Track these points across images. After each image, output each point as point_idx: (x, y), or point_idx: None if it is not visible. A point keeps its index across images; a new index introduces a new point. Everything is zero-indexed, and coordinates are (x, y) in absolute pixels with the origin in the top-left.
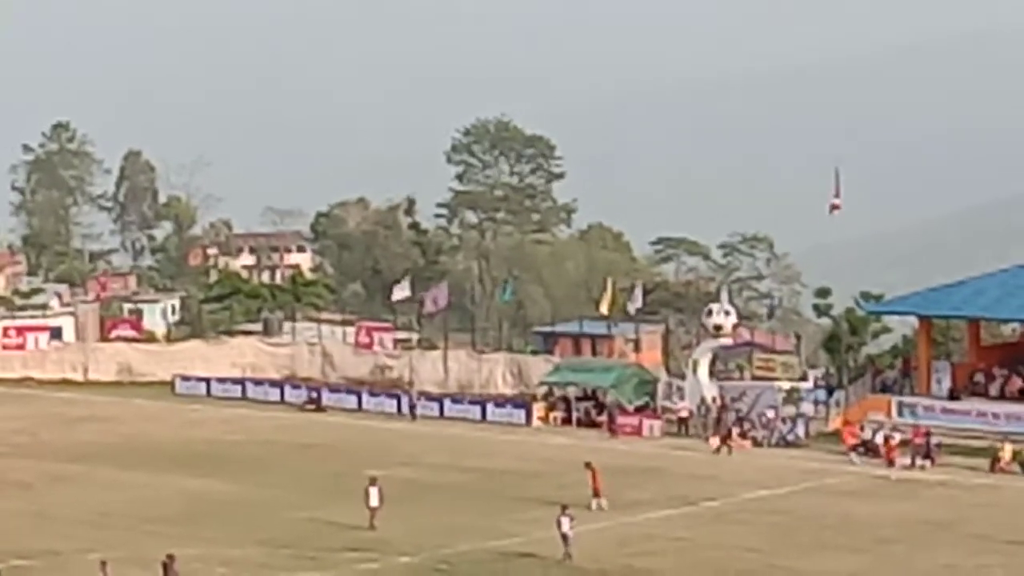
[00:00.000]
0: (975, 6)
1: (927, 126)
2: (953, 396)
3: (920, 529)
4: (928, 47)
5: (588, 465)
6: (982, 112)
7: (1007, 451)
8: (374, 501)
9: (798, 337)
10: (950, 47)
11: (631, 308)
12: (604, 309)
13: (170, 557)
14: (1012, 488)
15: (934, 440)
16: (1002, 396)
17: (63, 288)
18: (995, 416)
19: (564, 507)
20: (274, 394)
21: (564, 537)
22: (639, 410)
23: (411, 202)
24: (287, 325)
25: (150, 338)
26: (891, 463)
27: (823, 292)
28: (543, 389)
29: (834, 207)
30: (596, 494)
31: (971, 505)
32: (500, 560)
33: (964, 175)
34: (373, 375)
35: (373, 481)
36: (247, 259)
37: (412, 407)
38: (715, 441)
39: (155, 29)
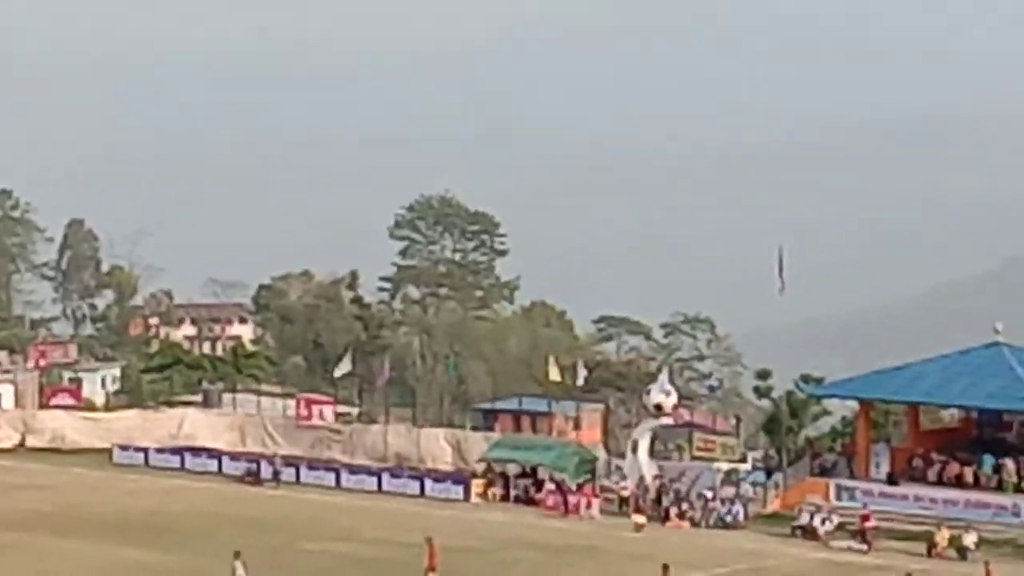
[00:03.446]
0: (928, 91)
1: (874, 212)
2: (892, 480)
3: None
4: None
5: (428, 540)
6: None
7: (943, 536)
8: (240, 573)
9: (738, 418)
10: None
11: (579, 380)
12: (555, 376)
13: None
14: (948, 573)
15: (871, 524)
16: (940, 481)
17: (3, 355)
18: (932, 501)
19: None
20: (213, 465)
21: None
22: (580, 488)
23: (354, 276)
24: (227, 396)
25: (89, 407)
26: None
27: (764, 374)
28: (482, 465)
29: (780, 289)
30: (431, 569)
31: None
32: None
33: (906, 261)
34: (315, 448)
35: (237, 555)
36: (188, 330)
37: (276, 474)
38: (639, 518)
39: (101, 96)
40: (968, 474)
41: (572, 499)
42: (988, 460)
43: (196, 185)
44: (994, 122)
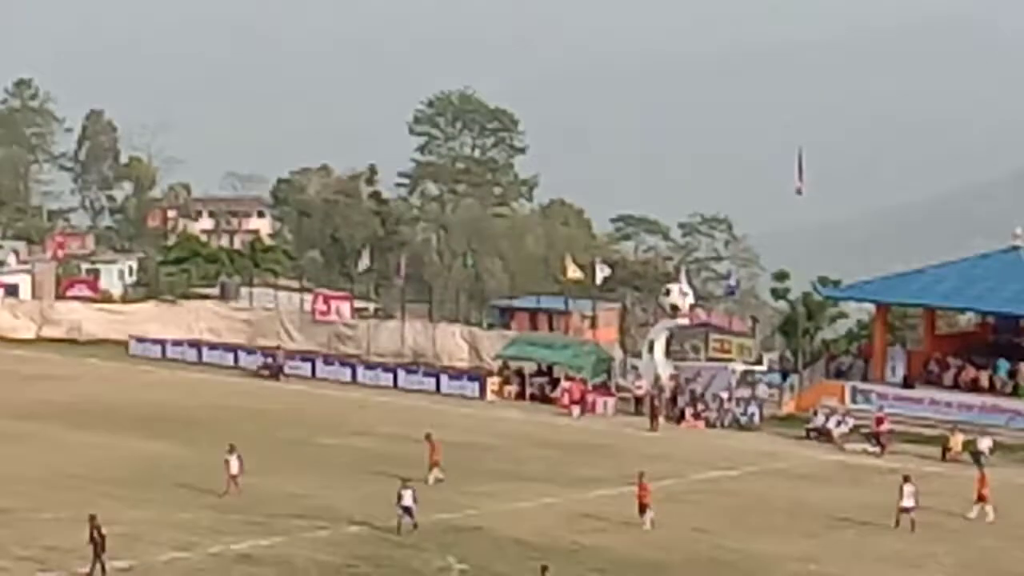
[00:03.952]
0: None
1: (894, 114)
2: (907, 384)
3: (870, 515)
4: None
5: (428, 437)
6: (948, 103)
7: (957, 440)
8: (234, 468)
9: (755, 320)
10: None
11: (599, 276)
12: (572, 274)
13: (91, 517)
14: (961, 477)
15: (885, 427)
16: (955, 385)
17: (20, 246)
18: (947, 405)
19: (404, 480)
20: (229, 359)
21: (407, 510)
22: (596, 388)
23: (372, 171)
24: (244, 290)
25: (106, 298)
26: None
27: (781, 276)
28: (498, 363)
29: (798, 190)
30: (434, 466)
31: (921, 492)
32: (450, 532)
33: (927, 165)
34: (329, 343)
35: (232, 449)
36: (206, 223)
37: (280, 368)
38: (660, 422)
39: None
40: (984, 378)
41: (588, 397)
42: (1003, 365)
43: (217, 79)
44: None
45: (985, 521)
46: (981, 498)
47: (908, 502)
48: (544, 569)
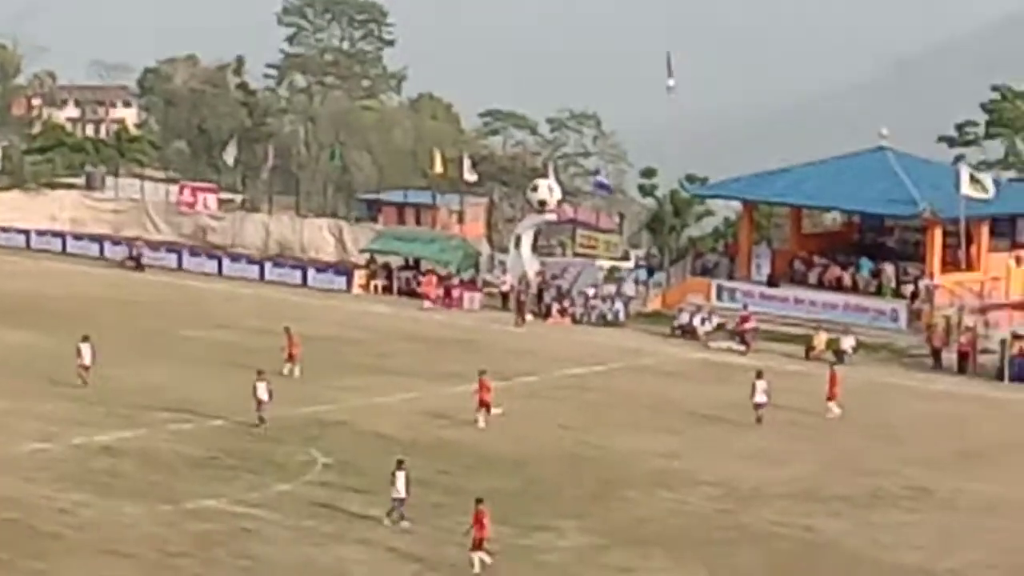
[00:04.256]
0: None
1: (768, 10)
2: (772, 282)
3: (734, 412)
4: None
5: (287, 330)
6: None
7: (821, 339)
8: (86, 359)
9: (621, 216)
10: None
11: (467, 177)
12: (439, 169)
13: None
14: (824, 376)
15: (750, 325)
16: (820, 284)
17: None
18: (812, 304)
19: (260, 372)
20: (94, 250)
21: (259, 403)
22: (463, 283)
23: (240, 62)
24: (110, 180)
25: None
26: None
27: (649, 172)
28: (365, 257)
29: (668, 87)
30: (290, 359)
31: (784, 390)
32: (314, 425)
33: (797, 63)
34: (195, 235)
35: (85, 338)
36: (72, 112)
37: (137, 258)
38: (526, 318)
39: None
40: (847, 278)
41: (454, 293)
42: (866, 264)
43: None
44: None
45: (828, 417)
46: (831, 396)
47: (760, 398)
48: (399, 463)
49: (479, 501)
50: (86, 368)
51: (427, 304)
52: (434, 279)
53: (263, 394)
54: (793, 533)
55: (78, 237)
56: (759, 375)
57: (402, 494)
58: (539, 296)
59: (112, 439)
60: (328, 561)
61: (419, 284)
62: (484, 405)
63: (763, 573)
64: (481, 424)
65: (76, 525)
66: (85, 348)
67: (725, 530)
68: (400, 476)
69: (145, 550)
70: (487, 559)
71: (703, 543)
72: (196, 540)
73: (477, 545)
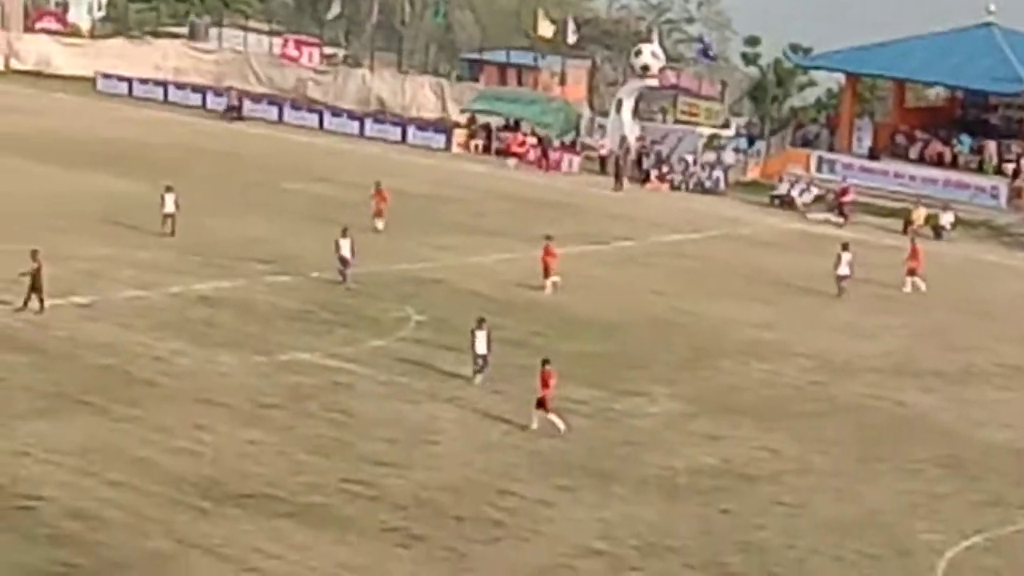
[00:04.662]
0: None
1: None
2: (873, 155)
3: (829, 284)
4: None
5: (376, 185)
6: None
7: (920, 214)
8: (169, 207)
9: (724, 84)
10: None
11: (570, 39)
12: (545, 31)
13: (33, 253)
14: (922, 251)
15: (849, 197)
16: (921, 159)
17: None
18: (912, 178)
19: (344, 229)
20: (196, 100)
21: (343, 260)
22: (563, 146)
23: None
24: (213, 31)
25: (75, 32)
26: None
27: (753, 41)
28: (465, 116)
29: None
30: (379, 214)
31: (880, 265)
32: (410, 283)
33: None
34: (296, 89)
35: (169, 188)
36: None
37: (232, 108)
38: (624, 183)
39: None
40: (948, 154)
41: (554, 155)
42: (966, 141)
43: None
44: None
45: (918, 292)
46: (911, 271)
47: (844, 270)
48: (480, 321)
49: (545, 362)
50: (169, 216)
51: (511, 163)
52: (521, 138)
53: (346, 251)
54: (884, 406)
55: (180, 87)
56: (845, 247)
57: (483, 351)
58: (638, 161)
59: (209, 289)
60: (419, 418)
61: (520, 145)
62: (547, 271)
63: (853, 445)
64: (548, 291)
65: (171, 373)
66: (169, 198)
67: (816, 402)
68: (480, 335)
69: (239, 400)
70: (557, 421)
71: (793, 414)
72: (289, 392)
73: (540, 404)
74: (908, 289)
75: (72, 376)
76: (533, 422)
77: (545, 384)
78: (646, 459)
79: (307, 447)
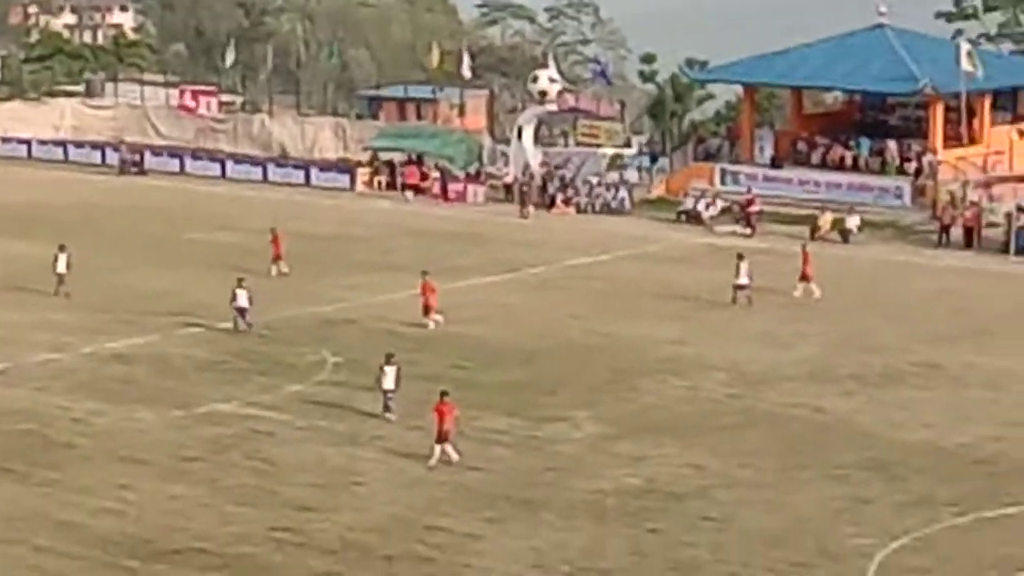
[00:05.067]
0: None
1: None
2: (775, 164)
3: (748, 297)
4: None
5: (272, 231)
6: None
7: (826, 219)
8: (62, 267)
9: (622, 103)
10: None
11: (465, 74)
12: (437, 63)
13: None
14: (831, 256)
15: (755, 207)
16: (823, 165)
17: None
18: (816, 184)
19: (240, 279)
20: (96, 157)
21: (240, 311)
22: (467, 176)
23: None
24: (109, 86)
25: None
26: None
27: (649, 58)
28: (368, 154)
29: None
30: (276, 259)
31: (790, 273)
32: (324, 325)
33: None
34: (197, 139)
35: (62, 248)
36: (68, 18)
37: (123, 163)
38: (530, 209)
39: None
40: (850, 157)
41: (457, 187)
42: (865, 143)
43: None
44: None
45: (812, 298)
46: (805, 277)
47: (743, 279)
48: (389, 356)
49: (443, 394)
50: (61, 277)
51: (409, 195)
52: (417, 171)
53: (243, 301)
54: (804, 414)
55: (79, 145)
56: (740, 256)
57: (391, 386)
58: (543, 187)
59: (123, 346)
60: (342, 461)
61: (423, 179)
62: (427, 308)
63: (776, 455)
64: (431, 326)
65: (90, 433)
66: (62, 257)
67: (735, 414)
68: (390, 370)
69: (160, 456)
70: (452, 453)
71: (714, 428)
72: (210, 444)
73: (440, 438)
74: (798, 294)
75: None
76: (434, 458)
77: (441, 418)
78: (572, 484)
79: (232, 498)
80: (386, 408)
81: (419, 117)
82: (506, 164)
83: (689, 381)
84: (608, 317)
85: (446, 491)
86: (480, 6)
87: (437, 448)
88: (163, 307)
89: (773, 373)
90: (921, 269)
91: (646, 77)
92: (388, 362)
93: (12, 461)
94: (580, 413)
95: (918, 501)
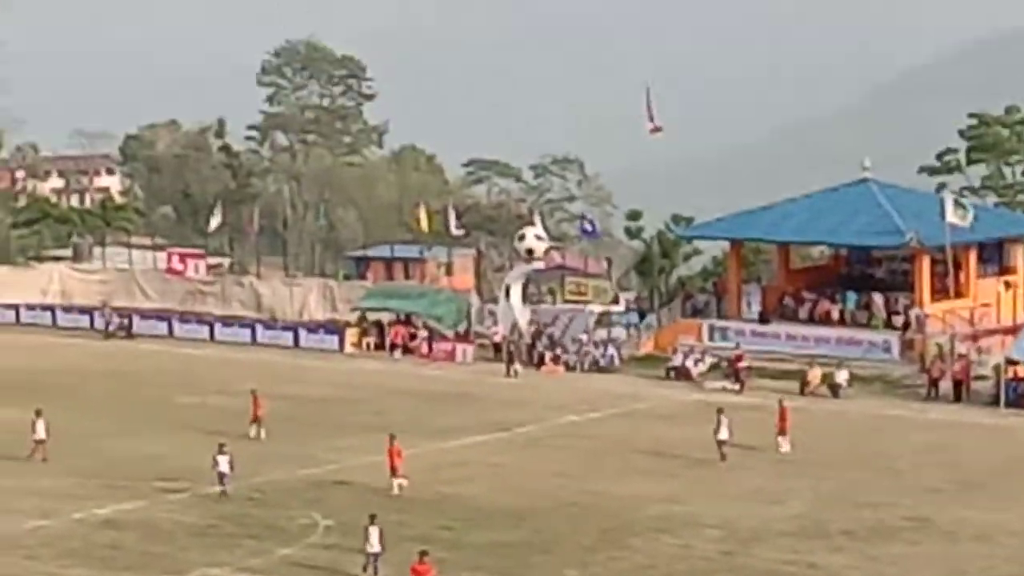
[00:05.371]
0: None
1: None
2: (763, 319)
3: (730, 452)
4: None
5: (253, 392)
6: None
7: (815, 374)
8: (40, 433)
9: (609, 260)
10: None
11: (453, 231)
12: (424, 225)
13: None
14: (821, 411)
15: (744, 363)
16: (811, 319)
17: None
18: (804, 339)
19: (221, 445)
20: (84, 321)
21: (221, 476)
22: (456, 336)
23: (221, 124)
24: (97, 250)
25: None
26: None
27: (635, 215)
28: (356, 315)
29: (654, 129)
30: (255, 421)
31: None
32: (314, 488)
33: (772, 99)
34: (185, 301)
35: (39, 413)
36: (56, 182)
37: (107, 325)
38: (518, 368)
39: None
40: (836, 312)
41: (446, 346)
42: (851, 297)
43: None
44: None
45: (780, 452)
46: (782, 431)
47: (723, 434)
48: (372, 518)
49: (423, 554)
50: (40, 443)
51: (397, 354)
52: (403, 330)
53: (224, 467)
54: (797, 571)
55: (67, 309)
56: (720, 411)
57: (376, 549)
58: (532, 345)
59: (112, 512)
60: None
61: (412, 339)
62: (394, 471)
63: None
64: (395, 491)
65: None
66: (40, 423)
67: (729, 572)
68: (374, 531)
69: None
70: None
71: None
72: None
73: None
74: (785, 449)
75: None
76: None
77: None
78: None
79: None
80: (372, 570)
81: (407, 276)
82: (494, 323)
83: (681, 539)
84: (598, 476)
85: None
86: (466, 165)
87: None
88: (152, 472)
89: (765, 529)
90: (911, 423)
91: (632, 233)
92: (372, 523)
93: None
94: (572, 572)
95: None
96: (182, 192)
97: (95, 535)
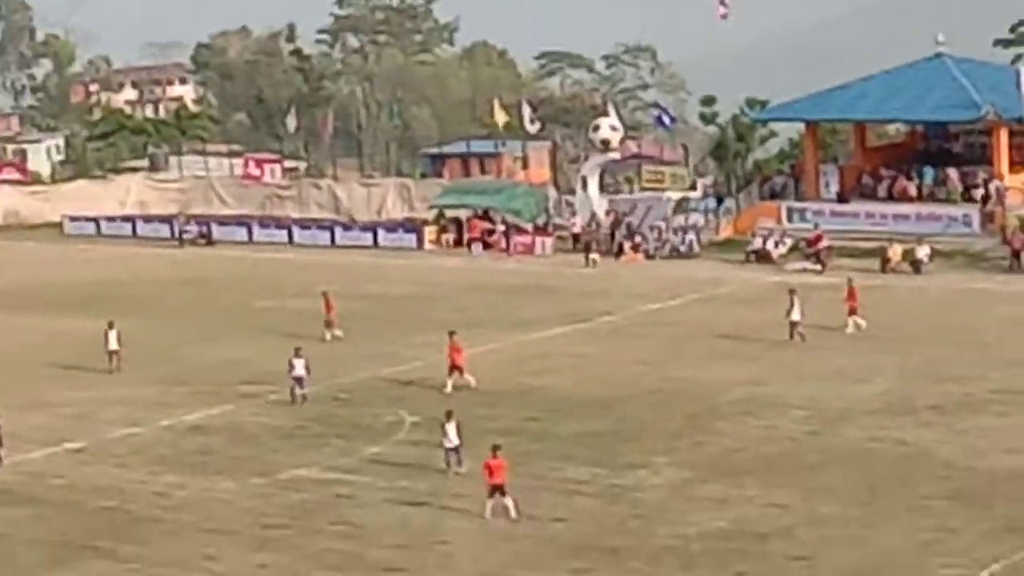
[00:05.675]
0: None
1: None
2: (842, 199)
3: (812, 333)
4: None
5: (324, 294)
6: None
7: (896, 251)
8: (113, 344)
9: (685, 147)
10: None
11: (529, 128)
12: (500, 119)
13: None
14: (902, 288)
15: (823, 244)
16: (890, 197)
17: None
18: (883, 217)
19: (297, 349)
20: (164, 231)
21: (299, 380)
22: (535, 229)
23: (292, 29)
24: (173, 160)
25: (36, 180)
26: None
27: (708, 100)
28: (434, 212)
29: (724, 15)
30: (328, 325)
31: (863, 307)
32: (397, 387)
33: None
34: (263, 207)
35: (111, 325)
36: (130, 94)
37: (183, 234)
38: (596, 258)
39: None
40: (914, 188)
41: (525, 239)
42: (928, 172)
43: None
44: None
45: (847, 332)
46: (852, 311)
47: (796, 315)
48: (448, 414)
49: (496, 448)
50: (114, 353)
51: (476, 251)
52: (480, 225)
53: (300, 370)
54: (885, 448)
55: (147, 219)
56: (793, 291)
57: (455, 442)
58: (610, 234)
59: (199, 417)
60: (425, 521)
61: (491, 235)
62: (456, 368)
63: (859, 490)
64: (448, 389)
65: (173, 506)
66: (112, 334)
67: (817, 452)
68: (451, 427)
69: (244, 525)
70: (511, 508)
71: (796, 467)
72: (292, 510)
73: (492, 491)
74: (851, 330)
75: (75, 523)
76: (487, 512)
77: (491, 473)
78: (657, 531)
79: (318, 564)
80: (458, 463)
81: (483, 172)
82: (572, 214)
83: (767, 421)
84: (682, 362)
85: (531, 544)
86: (538, 58)
87: (489, 502)
88: (236, 376)
89: (851, 408)
90: (994, 296)
91: (707, 119)
92: (448, 419)
93: (98, 539)
94: (660, 459)
95: (1006, 528)
96: (255, 98)
97: (183, 441)
